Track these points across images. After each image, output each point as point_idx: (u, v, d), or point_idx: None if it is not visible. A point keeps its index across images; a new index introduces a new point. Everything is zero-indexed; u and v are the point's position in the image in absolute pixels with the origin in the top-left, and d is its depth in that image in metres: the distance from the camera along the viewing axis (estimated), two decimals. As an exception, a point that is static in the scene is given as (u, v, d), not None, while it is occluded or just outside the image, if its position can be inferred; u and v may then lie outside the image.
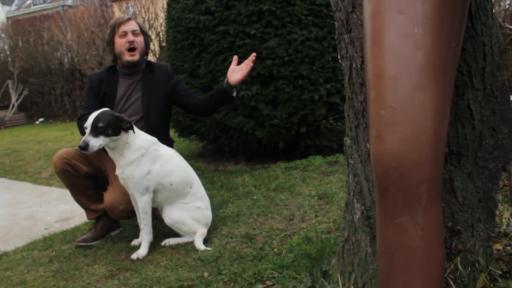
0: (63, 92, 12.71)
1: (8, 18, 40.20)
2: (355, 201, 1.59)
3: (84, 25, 11.68)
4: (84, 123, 2.38)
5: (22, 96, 12.72)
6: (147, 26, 11.53)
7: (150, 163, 2.39)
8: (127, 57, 2.74)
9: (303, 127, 4.18)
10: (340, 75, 4.12)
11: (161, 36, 11.46)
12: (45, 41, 13.54)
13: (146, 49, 2.87)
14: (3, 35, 14.94)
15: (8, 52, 14.44)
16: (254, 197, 3.26)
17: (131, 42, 2.72)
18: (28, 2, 40.34)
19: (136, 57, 2.75)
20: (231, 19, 4.05)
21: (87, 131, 2.29)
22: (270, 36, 4.01)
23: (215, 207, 2.99)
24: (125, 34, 2.74)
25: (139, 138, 2.41)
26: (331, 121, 4.41)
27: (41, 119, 12.78)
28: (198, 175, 2.77)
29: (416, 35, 0.97)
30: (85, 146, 2.25)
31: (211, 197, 2.75)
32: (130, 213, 2.61)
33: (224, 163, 4.60)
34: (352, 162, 1.60)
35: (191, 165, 2.76)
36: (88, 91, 2.86)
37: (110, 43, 2.81)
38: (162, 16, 11.60)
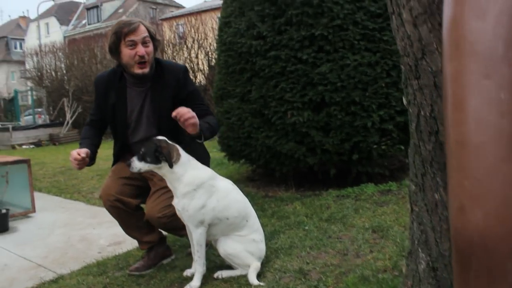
0: (115, 110, 13.11)
1: (65, 37, 42.25)
2: (419, 250, 1.51)
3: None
4: (85, 134, 2.63)
5: (76, 114, 13.21)
6: (196, 46, 11.76)
7: (205, 197, 2.37)
8: (137, 69, 2.44)
9: (355, 154, 4.10)
10: (394, 101, 4.03)
11: (210, 56, 11.65)
12: (98, 60, 14.06)
13: (155, 54, 2.57)
14: (60, 54, 15.63)
15: (64, 71, 15.08)
16: (306, 228, 3.19)
17: (142, 56, 2.41)
18: (83, 22, 42.20)
19: (146, 69, 2.45)
20: (283, 44, 4.04)
21: (135, 157, 2.35)
22: (322, 61, 3.97)
23: (267, 237, 2.95)
24: (134, 45, 2.40)
25: (191, 172, 2.37)
26: (383, 147, 4.29)
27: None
28: (248, 200, 2.71)
29: (503, 101, 0.90)
30: (128, 165, 2.34)
31: (262, 225, 2.69)
32: (169, 218, 2.53)
33: (274, 188, 4.56)
34: (417, 209, 1.52)
35: (241, 189, 2.71)
36: (95, 97, 2.75)
37: (115, 50, 2.46)
38: (211, 36, 11.82)
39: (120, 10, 40.68)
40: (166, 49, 12.35)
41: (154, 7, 41.70)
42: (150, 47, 2.47)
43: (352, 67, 3.92)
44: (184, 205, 2.35)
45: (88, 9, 41.75)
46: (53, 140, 12.89)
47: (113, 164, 2.78)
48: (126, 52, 2.42)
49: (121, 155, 2.73)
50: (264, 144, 4.20)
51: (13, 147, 12.10)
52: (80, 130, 13.68)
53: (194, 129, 2.29)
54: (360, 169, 4.29)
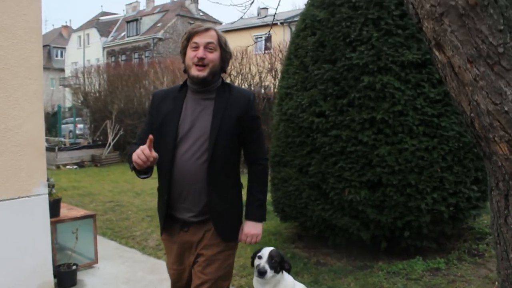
0: (155, 134, 13.51)
1: (104, 48, 43.46)
2: None
3: (180, 74, 12.45)
4: (133, 156, 2.12)
5: (118, 136, 13.65)
6: (238, 80, 12.03)
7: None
8: (194, 71, 2.27)
9: (406, 231, 4.25)
10: (448, 184, 4.17)
11: (253, 87, 11.92)
12: (142, 84, 14.51)
13: (223, 66, 2.38)
14: (105, 76, 16.16)
15: (108, 92, 15.58)
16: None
17: (201, 58, 2.25)
18: (122, 34, 43.32)
19: (204, 73, 2.26)
20: (344, 124, 4.25)
21: (263, 260, 2.58)
22: (381, 143, 4.15)
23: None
24: (197, 47, 2.27)
25: (288, 281, 2.69)
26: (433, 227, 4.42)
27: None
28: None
29: None
30: (264, 273, 2.54)
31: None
32: None
33: (324, 254, 4.74)
34: None
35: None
36: (148, 114, 2.52)
37: (182, 52, 2.37)
38: (254, 70, 12.09)
39: (159, 24, 41.62)
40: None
41: (192, 22, 42.41)
42: (215, 55, 2.29)
43: (410, 152, 4.09)
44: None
45: (128, 22, 42.86)
46: (95, 162, 13.35)
47: (159, 205, 2.44)
48: (189, 54, 2.30)
49: (162, 189, 2.38)
50: (320, 216, 4.39)
51: (57, 167, 12.59)
52: (121, 152, 14.14)
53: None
54: (409, 243, 4.44)
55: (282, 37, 25.40)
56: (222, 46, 2.33)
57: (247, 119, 2.34)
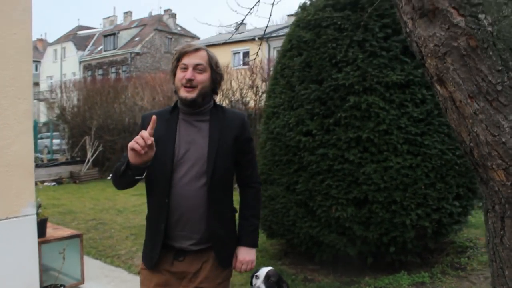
0: (135, 150, 13.45)
1: (80, 62, 43.07)
2: None
3: (161, 91, 12.45)
4: (115, 168, 2.10)
5: (97, 152, 13.53)
6: (219, 97, 12.11)
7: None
8: (183, 92, 2.17)
9: (392, 247, 4.36)
10: (431, 200, 4.30)
11: (233, 103, 12.01)
12: (121, 100, 14.45)
13: (214, 88, 2.28)
14: (83, 91, 16.02)
15: (86, 107, 15.44)
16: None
17: (189, 80, 2.15)
18: (99, 48, 43.05)
19: (193, 94, 2.16)
20: (331, 143, 4.35)
21: (259, 280, 2.46)
22: (367, 162, 4.26)
23: None
24: (185, 67, 2.18)
25: None
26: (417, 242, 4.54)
27: (111, 174, 13.50)
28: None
29: None
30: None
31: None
32: None
33: (311, 270, 4.80)
34: None
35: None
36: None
37: (172, 72, 2.27)
38: (235, 86, 12.18)
39: (136, 39, 41.54)
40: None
41: (169, 36, 42.57)
42: (204, 76, 2.19)
43: (395, 170, 4.21)
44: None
45: (105, 36, 42.64)
46: (74, 178, 13.19)
47: (150, 236, 2.30)
48: (178, 75, 2.21)
49: (155, 217, 2.23)
50: (308, 233, 4.46)
51: (36, 184, 12.36)
52: (100, 168, 14.00)
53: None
54: (394, 258, 4.55)
55: (260, 52, 25.71)
56: (213, 67, 2.23)
57: (242, 141, 2.27)
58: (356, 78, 4.31)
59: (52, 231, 4.80)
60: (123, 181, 2.12)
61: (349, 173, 4.26)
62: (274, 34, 25.35)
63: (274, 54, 27.18)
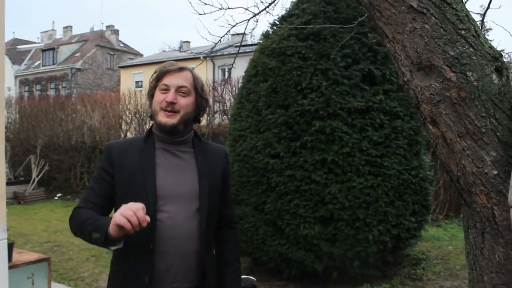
0: (83, 170, 13.19)
1: (16, 77, 41.36)
2: None
3: (112, 111, 12.34)
4: (80, 221, 1.78)
5: (43, 172, 13.12)
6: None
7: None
8: (161, 117, 1.86)
9: (356, 261, 4.66)
10: (391, 217, 4.65)
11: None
12: (69, 119, 14.15)
13: (197, 115, 1.98)
14: (26, 108, 15.52)
15: (30, 126, 14.95)
16: None
17: (170, 103, 1.84)
18: (37, 63, 41.57)
19: (173, 120, 1.85)
20: (297, 164, 4.62)
21: None
22: (332, 182, 4.56)
23: None
24: (167, 89, 1.87)
25: None
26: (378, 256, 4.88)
27: (59, 194, 13.15)
28: None
29: None
30: None
31: None
32: None
33: (278, 286, 5.01)
34: None
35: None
36: (100, 170, 1.92)
37: (150, 94, 1.95)
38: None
39: (77, 54, 40.52)
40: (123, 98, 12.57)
41: (112, 53, 41.86)
42: (188, 100, 1.88)
43: (358, 189, 4.53)
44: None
45: (43, 50, 41.26)
46: (18, 199, 12.70)
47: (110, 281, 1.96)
48: (157, 97, 1.89)
49: (135, 268, 1.82)
50: (277, 251, 4.68)
51: (-23, 206, 11.81)
52: (46, 188, 13.57)
53: None
54: (357, 271, 4.85)
55: (204, 71, 25.87)
56: (198, 91, 1.92)
57: (225, 176, 2.03)
58: (320, 104, 4.62)
59: (17, 255, 4.71)
60: (90, 242, 1.76)
61: (315, 193, 4.53)
62: (219, 53, 25.59)
63: (219, 73, 27.55)
